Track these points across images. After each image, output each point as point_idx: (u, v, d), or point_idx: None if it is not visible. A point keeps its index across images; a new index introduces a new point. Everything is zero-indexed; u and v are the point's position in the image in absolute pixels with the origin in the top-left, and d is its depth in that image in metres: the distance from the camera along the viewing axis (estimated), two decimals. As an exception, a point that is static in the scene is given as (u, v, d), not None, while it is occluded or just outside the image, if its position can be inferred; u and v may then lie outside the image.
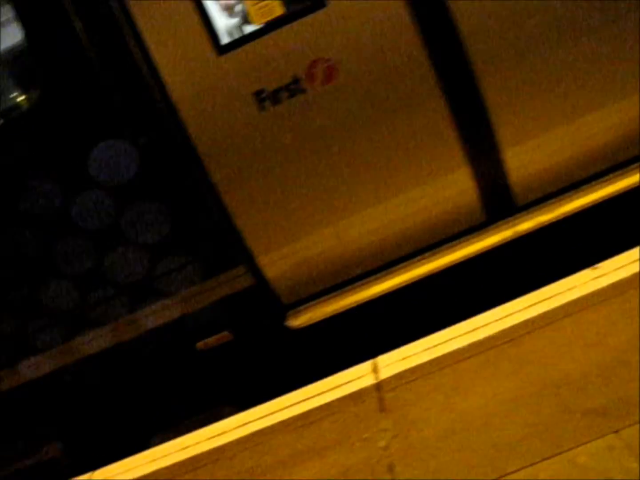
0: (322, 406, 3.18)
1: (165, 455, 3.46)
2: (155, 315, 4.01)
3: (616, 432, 2.30)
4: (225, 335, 4.09)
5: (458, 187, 3.84)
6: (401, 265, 3.95)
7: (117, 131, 3.70)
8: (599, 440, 2.30)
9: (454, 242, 3.93)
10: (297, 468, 2.85)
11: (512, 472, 2.33)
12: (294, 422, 3.15)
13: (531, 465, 2.32)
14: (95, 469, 3.70)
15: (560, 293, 3.21)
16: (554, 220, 3.81)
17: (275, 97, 3.58)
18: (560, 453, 2.32)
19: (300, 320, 3.92)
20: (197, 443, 3.41)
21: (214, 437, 3.38)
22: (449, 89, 3.64)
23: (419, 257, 3.95)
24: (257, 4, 3.49)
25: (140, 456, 3.60)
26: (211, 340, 4.09)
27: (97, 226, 3.83)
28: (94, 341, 4.13)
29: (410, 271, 3.89)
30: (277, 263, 3.93)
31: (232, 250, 3.88)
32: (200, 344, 4.08)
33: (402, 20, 3.52)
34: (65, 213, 3.80)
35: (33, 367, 4.23)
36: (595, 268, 3.28)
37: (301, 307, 4.01)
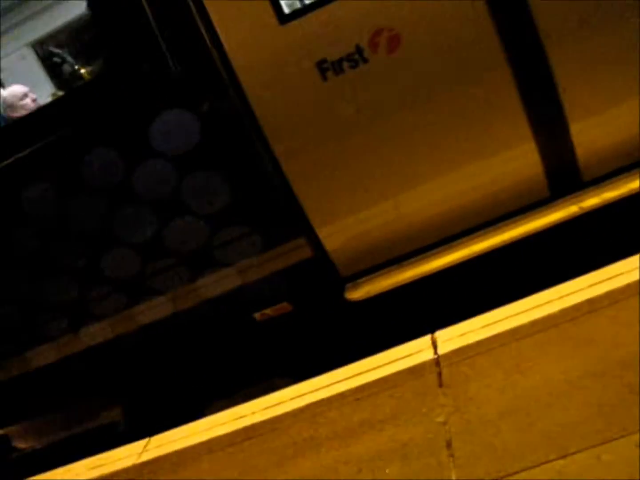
0: (380, 379, 3.17)
1: (221, 424, 3.49)
2: (214, 285, 4.04)
3: (685, 415, 2.24)
4: (284, 306, 4.11)
5: (523, 161, 3.75)
6: (462, 240, 3.90)
7: (179, 101, 3.71)
8: (667, 423, 2.24)
9: (517, 217, 3.86)
10: (352, 440, 2.85)
11: (574, 453, 2.28)
12: (351, 395, 3.15)
13: (594, 446, 2.27)
14: (153, 434, 3.77)
15: (625, 272, 3.12)
16: (621, 196, 3.70)
17: (337, 67, 3.53)
18: (624, 436, 2.25)
19: (358, 292, 3.91)
20: (253, 413, 3.43)
21: (270, 407, 3.40)
22: (516, 60, 3.54)
23: (479, 232, 3.89)
24: (320, -28, 3.45)
25: (197, 424, 3.65)
26: (270, 311, 4.12)
27: (158, 196, 3.87)
28: (154, 310, 4.19)
29: (471, 246, 3.83)
30: (336, 235, 3.92)
31: (292, 221, 3.88)
32: (258, 315, 4.11)
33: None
34: (127, 183, 3.84)
35: (94, 334, 4.31)
36: (664, 247, 3.19)
37: (360, 280, 4.00)
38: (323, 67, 3.54)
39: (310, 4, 3.56)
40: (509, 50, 3.53)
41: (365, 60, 3.52)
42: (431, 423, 2.74)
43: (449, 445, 2.58)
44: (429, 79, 3.59)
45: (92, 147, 3.83)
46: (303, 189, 3.82)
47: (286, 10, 3.55)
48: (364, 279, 3.98)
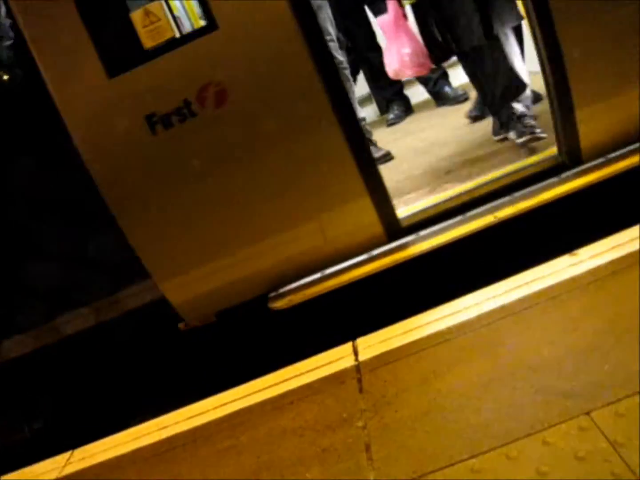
0: (302, 387, 3.20)
1: (145, 435, 3.47)
2: (138, 295, 4.01)
3: (587, 413, 2.34)
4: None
5: (359, 216, 3.82)
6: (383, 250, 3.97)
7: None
8: (571, 421, 2.34)
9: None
10: (274, 446, 2.87)
11: (485, 452, 2.36)
12: (273, 402, 3.17)
13: (503, 445, 2.36)
14: (76, 447, 3.72)
15: (538, 279, 3.25)
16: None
17: (166, 121, 3.51)
18: (531, 434, 2.35)
19: (281, 302, 3.93)
20: (176, 422, 3.42)
21: (193, 416, 3.40)
22: (343, 114, 3.60)
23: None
24: (147, 26, 3.40)
25: (120, 435, 3.61)
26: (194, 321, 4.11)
27: (82, 206, 3.83)
28: (77, 321, 4.14)
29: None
30: (177, 290, 3.92)
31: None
32: (182, 325, 4.10)
33: (295, 43, 3.48)
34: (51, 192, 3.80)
35: (15, 346, 4.24)
36: (574, 255, 3.32)
37: (283, 290, 4.01)
38: (152, 121, 3.51)
39: (138, 57, 3.51)
40: (337, 102, 3.59)
41: (193, 114, 3.50)
42: (351, 428, 2.79)
43: (367, 448, 2.63)
44: (259, 132, 3.59)
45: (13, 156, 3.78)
46: (141, 246, 3.76)
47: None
48: (286, 288, 4.01)
